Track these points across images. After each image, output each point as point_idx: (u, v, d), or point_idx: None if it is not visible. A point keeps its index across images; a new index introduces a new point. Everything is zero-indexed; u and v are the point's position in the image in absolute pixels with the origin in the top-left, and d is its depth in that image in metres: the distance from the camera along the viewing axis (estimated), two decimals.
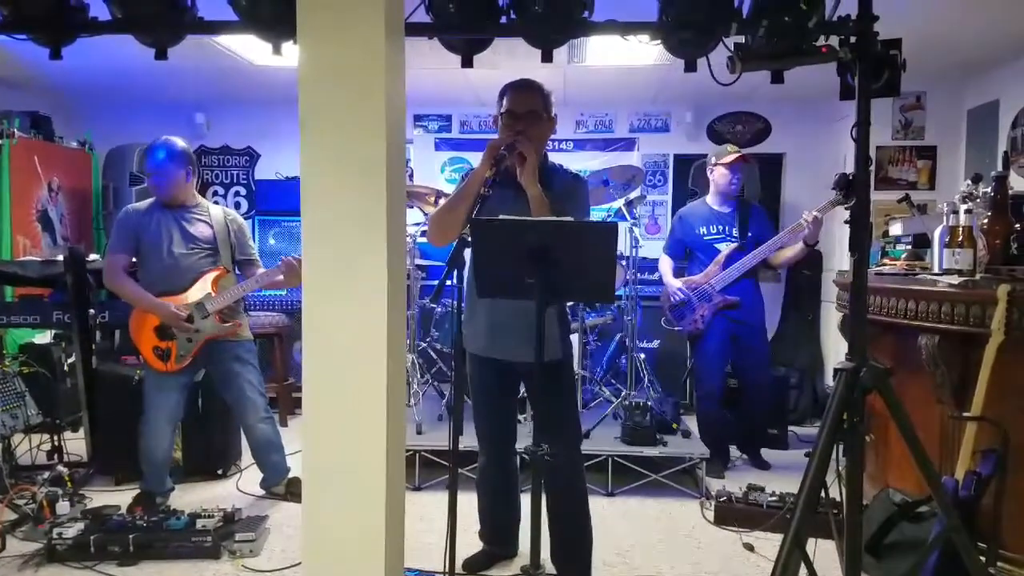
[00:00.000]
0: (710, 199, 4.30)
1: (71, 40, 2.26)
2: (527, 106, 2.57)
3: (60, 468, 3.64)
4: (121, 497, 3.61)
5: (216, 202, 5.12)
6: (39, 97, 5.69)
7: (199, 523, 3.08)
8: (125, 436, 3.86)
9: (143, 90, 5.73)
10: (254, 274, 3.60)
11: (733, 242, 4.14)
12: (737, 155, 4.15)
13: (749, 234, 4.13)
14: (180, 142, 3.51)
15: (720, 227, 4.20)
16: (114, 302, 5.11)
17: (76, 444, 4.20)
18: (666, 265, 4.41)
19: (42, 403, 3.87)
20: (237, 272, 3.66)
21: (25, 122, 5.30)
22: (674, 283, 4.29)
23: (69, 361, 4.62)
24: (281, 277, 3.48)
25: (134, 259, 3.52)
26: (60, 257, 4.10)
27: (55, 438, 4.02)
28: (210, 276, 3.49)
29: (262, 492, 3.81)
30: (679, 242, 4.36)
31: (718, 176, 4.21)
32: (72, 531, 2.99)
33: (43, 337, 4.88)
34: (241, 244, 3.65)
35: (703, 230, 4.23)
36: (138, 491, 3.56)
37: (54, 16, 2.20)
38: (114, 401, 3.97)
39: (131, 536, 2.98)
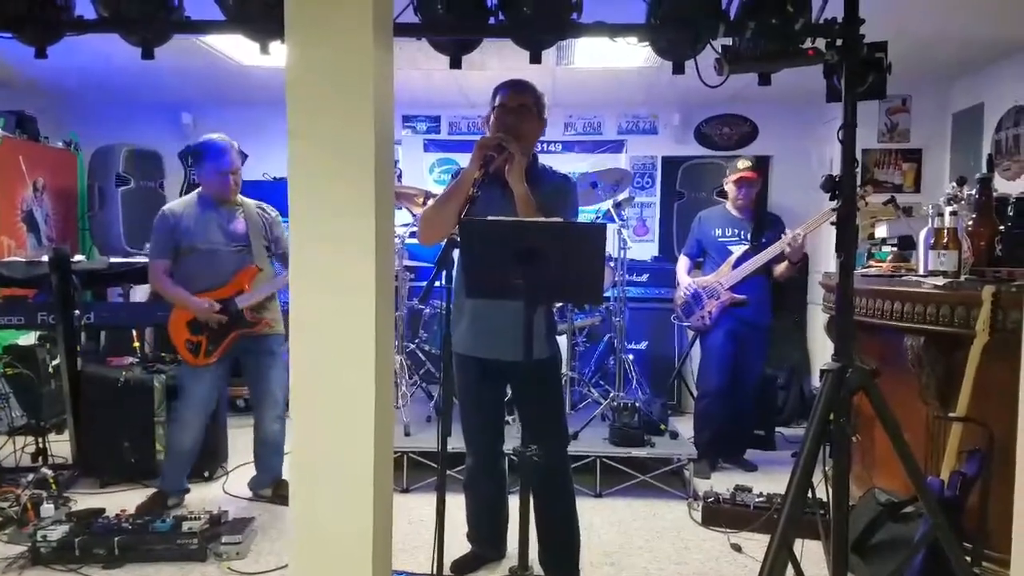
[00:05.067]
0: (729, 205, 4.42)
1: (56, 39, 2.25)
2: (518, 100, 2.59)
3: (44, 470, 3.60)
4: (106, 500, 3.57)
5: None
6: (24, 97, 5.62)
7: (185, 525, 3.06)
8: (110, 438, 3.85)
9: (129, 90, 5.68)
10: None
11: (746, 244, 4.25)
12: (740, 175, 4.27)
13: (763, 240, 4.23)
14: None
15: (735, 230, 4.33)
16: (100, 304, 5.10)
17: (61, 446, 4.15)
18: (682, 264, 4.54)
19: (26, 405, 3.84)
20: (277, 267, 3.70)
21: (10, 122, 5.25)
22: (686, 280, 4.42)
23: (54, 363, 4.57)
24: None
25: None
26: (45, 258, 4.06)
27: (39, 440, 3.99)
28: (245, 273, 3.54)
29: (249, 494, 3.79)
30: (696, 241, 4.49)
31: (729, 190, 4.38)
32: (57, 534, 2.97)
33: (27, 338, 4.83)
34: (278, 239, 3.68)
35: (718, 232, 4.36)
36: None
37: (39, 15, 2.18)
38: (99, 403, 3.93)
39: (116, 539, 2.95)
